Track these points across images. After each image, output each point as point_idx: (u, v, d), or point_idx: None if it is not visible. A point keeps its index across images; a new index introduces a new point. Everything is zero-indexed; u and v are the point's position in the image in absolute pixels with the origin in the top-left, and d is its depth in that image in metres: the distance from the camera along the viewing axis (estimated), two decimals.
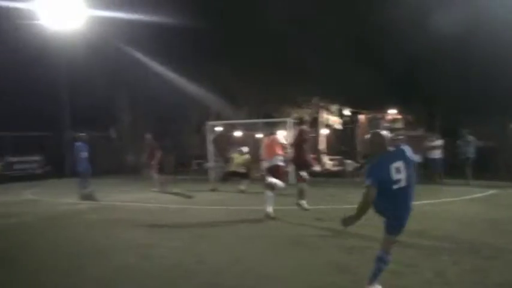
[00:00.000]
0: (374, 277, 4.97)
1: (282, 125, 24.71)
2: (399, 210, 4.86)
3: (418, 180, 4.96)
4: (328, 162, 23.91)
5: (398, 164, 4.73)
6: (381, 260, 4.96)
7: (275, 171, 10.45)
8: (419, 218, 9.63)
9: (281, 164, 10.66)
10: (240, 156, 16.56)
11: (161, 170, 16.49)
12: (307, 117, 25.46)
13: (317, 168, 12.12)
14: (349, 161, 19.67)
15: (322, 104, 24.85)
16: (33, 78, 23.80)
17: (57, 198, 14.60)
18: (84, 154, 14.58)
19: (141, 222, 9.93)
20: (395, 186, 4.71)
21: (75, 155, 14.70)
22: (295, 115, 25.00)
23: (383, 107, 24.20)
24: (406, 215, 4.90)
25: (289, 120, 19.75)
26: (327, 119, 26.21)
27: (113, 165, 25.91)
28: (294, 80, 22.17)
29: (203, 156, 23.21)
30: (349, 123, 25.40)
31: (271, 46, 22.19)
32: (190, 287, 5.56)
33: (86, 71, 23.61)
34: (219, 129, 22.93)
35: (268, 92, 23.71)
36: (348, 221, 4.94)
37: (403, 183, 4.72)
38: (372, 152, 5.01)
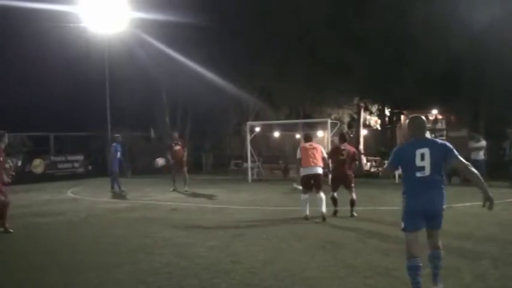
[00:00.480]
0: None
1: (321, 126, 24.66)
2: (422, 203, 4.66)
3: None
4: (367, 163, 23.62)
5: (424, 150, 4.63)
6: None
7: (317, 180, 10.06)
8: (460, 220, 9.40)
9: (321, 172, 10.28)
10: None
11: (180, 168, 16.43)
12: (345, 129, 25.41)
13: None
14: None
15: (362, 104, 24.59)
16: (76, 80, 24.43)
17: (97, 197, 14.88)
18: (118, 154, 15.02)
19: (178, 221, 9.99)
20: (418, 174, 4.62)
21: (110, 155, 15.25)
22: (335, 115, 24.83)
23: (425, 107, 23.70)
24: (429, 209, 4.68)
25: (329, 121, 19.53)
26: (367, 120, 25.94)
27: (152, 165, 26.23)
28: (334, 80, 21.97)
29: (242, 157, 23.31)
30: (389, 124, 25.02)
31: (311, 46, 22.07)
32: (227, 287, 5.52)
33: (128, 72, 24.05)
34: (257, 129, 22.96)
35: (307, 93, 23.56)
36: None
37: (427, 172, 4.61)
38: (411, 135, 4.87)
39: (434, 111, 23.67)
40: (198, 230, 9.02)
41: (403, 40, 20.12)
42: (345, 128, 26.41)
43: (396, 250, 6.93)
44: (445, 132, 23.77)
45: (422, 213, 4.68)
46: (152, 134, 27.75)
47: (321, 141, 25.54)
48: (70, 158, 23.92)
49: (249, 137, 20.44)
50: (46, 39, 23.88)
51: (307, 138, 10.62)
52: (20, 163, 21.52)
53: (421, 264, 4.68)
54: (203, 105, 24.35)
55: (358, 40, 20.87)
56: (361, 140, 25.41)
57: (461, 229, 8.38)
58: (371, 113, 26.16)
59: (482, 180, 4.64)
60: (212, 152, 27.36)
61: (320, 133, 25.59)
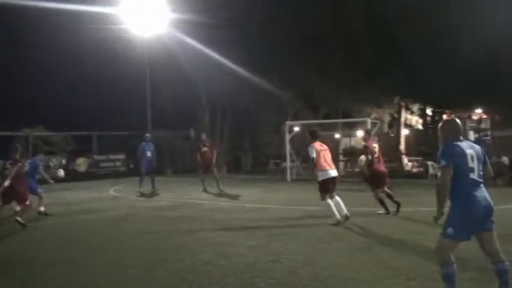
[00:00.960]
0: None
1: (361, 125, 24.39)
2: (473, 208, 4.51)
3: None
4: (408, 163, 23.24)
5: (472, 152, 4.61)
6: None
7: (334, 183, 9.68)
8: (504, 222, 9.12)
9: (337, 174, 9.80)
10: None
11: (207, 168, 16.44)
12: (386, 119, 25.08)
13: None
14: (430, 163, 18.95)
15: (403, 103, 24.18)
16: (118, 80, 24.92)
17: (139, 196, 15.12)
18: (148, 154, 15.30)
19: (218, 220, 10.06)
20: (471, 175, 4.53)
21: (139, 155, 15.61)
22: (375, 115, 24.52)
23: (468, 106, 23.14)
24: (481, 214, 4.53)
25: (369, 120, 19.30)
26: (408, 119, 25.50)
27: (191, 164, 26.53)
28: (374, 79, 21.66)
29: (280, 156, 23.28)
30: (431, 124, 24.50)
31: (350, 45, 21.83)
32: (266, 286, 5.52)
33: (168, 73, 24.38)
34: (296, 129, 22.89)
35: (347, 92, 23.33)
36: (437, 216, 4.66)
37: (476, 175, 4.55)
38: (445, 139, 4.83)
39: (478, 111, 23.09)
40: (238, 229, 9.06)
41: (444, 37, 19.68)
42: (386, 128, 26.07)
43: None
44: (489, 132, 23.17)
45: (479, 216, 4.54)
46: (192, 134, 28.00)
47: (360, 141, 25.35)
48: (112, 157, 24.42)
49: (288, 137, 20.40)
50: (89, 41, 24.48)
51: (315, 135, 9.97)
52: (64, 161, 22.13)
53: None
54: (242, 105, 24.42)
55: (399, 38, 20.50)
56: (402, 139, 24.98)
57: (505, 231, 8.15)
58: (412, 113, 25.67)
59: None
60: (251, 152, 27.44)
61: (359, 133, 25.33)
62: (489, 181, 4.71)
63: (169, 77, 24.47)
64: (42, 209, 11.35)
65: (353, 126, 26.39)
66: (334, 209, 9.29)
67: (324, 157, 9.56)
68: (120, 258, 7.04)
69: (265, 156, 26.71)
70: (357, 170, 22.12)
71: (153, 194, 15.48)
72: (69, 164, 22.14)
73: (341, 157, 24.39)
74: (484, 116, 23.06)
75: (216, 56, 22.80)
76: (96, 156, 23.84)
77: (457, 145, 4.66)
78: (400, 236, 8.07)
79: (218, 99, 26.22)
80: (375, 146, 10.66)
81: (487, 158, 4.77)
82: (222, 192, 15.69)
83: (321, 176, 9.43)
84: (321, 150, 9.56)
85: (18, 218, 9.23)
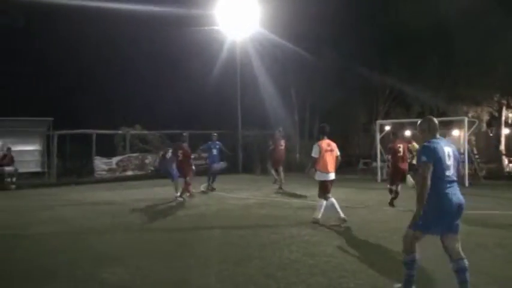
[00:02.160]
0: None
1: (457, 124, 23.35)
2: (448, 205, 4.72)
3: None
4: (509, 164, 21.95)
5: (449, 150, 4.82)
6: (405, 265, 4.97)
7: (331, 186, 9.62)
8: None
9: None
10: None
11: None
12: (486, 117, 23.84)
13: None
14: None
15: (503, 101, 22.86)
16: (210, 80, 25.57)
17: (229, 193, 15.38)
18: (214, 152, 15.48)
19: (306, 219, 9.97)
20: (447, 173, 4.72)
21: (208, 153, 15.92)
22: (472, 114, 23.37)
23: None
24: (453, 212, 4.76)
25: (466, 119, 18.40)
26: (509, 118, 24.08)
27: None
28: (471, 76, 20.67)
29: (371, 156, 22.82)
30: None
31: (446, 40, 20.98)
32: (355, 287, 5.41)
33: (258, 72, 24.67)
34: (387, 128, 22.32)
35: (442, 89, 22.42)
36: (415, 215, 4.81)
37: (452, 171, 4.77)
38: (427, 138, 4.97)
39: None
40: (326, 229, 8.96)
41: None
42: (484, 127, 24.78)
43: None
44: None
45: (452, 214, 4.75)
46: (281, 132, 28.09)
47: (456, 141, 24.26)
48: (203, 154, 25.01)
49: (378, 136, 19.94)
50: (182, 43, 25.34)
51: (324, 131, 9.85)
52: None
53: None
54: (331, 103, 24.18)
55: (498, 32, 19.39)
56: (502, 139, 23.63)
57: None
58: None
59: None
60: (340, 151, 27.12)
61: (456, 132, 24.26)
62: (460, 180, 4.91)
63: (259, 76, 24.76)
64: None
65: (449, 126, 25.31)
66: (322, 210, 9.43)
67: (327, 159, 9.44)
68: (209, 253, 7.20)
69: (355, 156, 26.23)
70: None
71: (206, 191, 15.74)
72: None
73: None
74: None
75: (306, 54, 22.73)
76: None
77: (437, 143, 4.84)
78: (498, 239, 7.65)
79: (307, 97, 26.15)
80: (400, 146, 11.53)
81: (460, 157, 4.91)
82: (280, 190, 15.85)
83: (320, 177, 9.49)
84: (326, 150, 9.48)
85: None
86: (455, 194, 4.77)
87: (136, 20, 24.36)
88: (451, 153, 4.82)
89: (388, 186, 11.85)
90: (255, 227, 9.20)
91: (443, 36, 20.99)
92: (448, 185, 4.74)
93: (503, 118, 23.39)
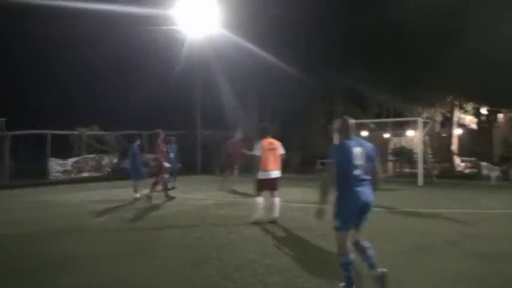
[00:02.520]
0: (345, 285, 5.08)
1: (412, 125, 23.88)
2: (354, 202, 4.96)
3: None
4: (460, 164, 22.62)
5: (360, 150, 4.99)
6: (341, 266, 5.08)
7: (274, 184, 9.75)
8: None
9: (279, 176, 9.82)
10: None
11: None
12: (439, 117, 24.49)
13: None
14: (484, 163, 18.38)
15: (456, 102, 23.53)
16: (168, 80, 25.37)
17: (186, 194, 15.31)
18: (171, 155, 15.36)
19: (264, 219, 10.03)
20: (356, 172, 4.92)
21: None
22: (427, 114, 23.95)
23: None
24: (360, 209, 5.01)
25: (420, 120, 18.87)
26: (461, 119, 24.78)
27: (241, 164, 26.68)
28: (426, 78, 21.18)
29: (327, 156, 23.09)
30: (486, 123, 23.73)
31: (402, 43, 21.44)
32: (312, 286, 5.48)
33: (218, 72, 24.62)
34: None
35: (398, 90, 22.89)
36: (318, 209, 5.11)
37: (362, 171, 4.95)
38: (341, 138, 5.20)
39: None
40: (283, 228, 9.04)
41: (500, 35, 19.02)
42: (437, 127, 25.43)
43: (490, 255, 6.62)
44: None
45: (360, 210, 5.02)
46: (240, 133, 28.13)
47: (411, 141, 24.82)
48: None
49: (336, 136, 20.20)
50: (142, 43, 25.06)
51: (265, 131, 9.95)
52: (115, 160, 22.73)
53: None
54: (290, 104, 24.35)
55: (452, 36, 19.97)
56: (455, 139, 24.31)
57: None
58: (466, 112, 24.92)
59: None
60: (299, 152, 27.30)
61: (411, 132, 24.83)
62: (378, 178, 5.20)
63: (219, 77, 24.71)
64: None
65: (404, 126, 25.87)
66: (259, 209, 9.53)
67: (268, 157, 9.51)
68: (167, 254, 7.16)
69: (313, 156, 26.48)
70: (406, 170, 21.73)
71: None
72: (121, 163, 22.66)
73: (390, 157, 23.98)
74: None
75: (265, 54, 22.82)
76: (146, 155, 24.28)
77: (346, 143, 5.04)
78: (451, 238, 7.86)
79: (266, 98, 26.25)
80: None
81: (377, 156, 5.20)
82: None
83: (260, 176, 9.57)
84: (268, 149, 9.54)
85: None
86: (364, 192, 4.98)
87: (94, 18, 23.92)
88: (362, 154, 5.01)
89: None
90: (213, 228, 9.19)
91: (400, 38, 21.41)
92: (356, 184, 4.95)
93: (455, 119, 24.05)
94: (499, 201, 12.78)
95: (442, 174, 20.43)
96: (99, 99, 27.93)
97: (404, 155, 22.57)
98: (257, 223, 9.39)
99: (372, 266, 5.13)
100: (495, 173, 17.60)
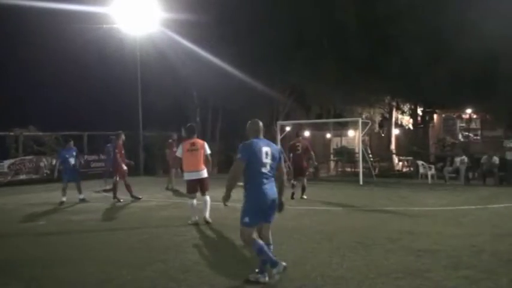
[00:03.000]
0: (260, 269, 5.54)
1: (352, 125, 24.47)
2: (263, 198, 5.37)
3: None
4: (398, 162, 23.35)
5: (267, 149, 5.43)
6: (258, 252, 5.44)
7: (203, 184, 9.72)
8: (495, 221, 9.23)
9: (206, 175, 9.77)
10: None
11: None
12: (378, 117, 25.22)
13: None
14: (420, 162, 19.08)
15: (393, 103, 24.28)
16: (109, 80, 24.86)
17: (129, 195, 15.02)
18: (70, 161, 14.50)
19: (200, 220, 9.99)
20: (263, 169, 5.37)
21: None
22: (366, 115, 24.60)
23: (458, 106, 23.28)
24: (268, 205, 5.42)
25: (360, 120, 19.36)
26: (399, 119, 25.59)
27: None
28: (365, 80, 21.72)
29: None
30: (422, 123, 24.63)
31: (342, 45, 21.88)
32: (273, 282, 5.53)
33: (159, 72, 24.33)
34: (288, 129, 22.92)
35: (338, 92, 23.38)
36: (224, 197, 5.59)
37: (269, 169, 5.41)
38: (249, 137, 5.65)
39: (469, 111, 23.22)
40: (228, 229, 9.02)
41: (435, 38, 19.78)
42: (377, 128, 26.18)
43: (429, 251, 6.85)
44: (479, 132, 23.34)
45: (266, 206, 5.43)
46: (183, 134, 27.94)
47: (352, 140, 25.43)
48: (103, 156, 24.29)
49: (279, 137, 20.42)
50: (80, 41, 24.36)
51: (191, 131, 9.91)
52: (54, 161, 22.02)
53: None
54: (234, 104, 24.41)
55: (389, 39, 20.58)
56: (393, 139, 25.10)
57: (496, 230, 8.25)
58: (403, 112, 25.78)
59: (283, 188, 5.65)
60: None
61: (351, 132, 25.41)
62: (282, 177, 5.63)
63: (160, 77, 24.44)
64: None
65: (344, 126, 26.46)
66: (193, 210, 9.55)
67: (188, 158, 9.53)
68: (110, 257, 7.02)
69: None
70: (348, 169, 22.23)
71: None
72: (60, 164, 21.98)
73: (332, 156, 24.45)
74: (474, 116, 23.22)
75: (207, 54, 22.76)
76: (87, 156, 23.69)
77: (255, 142, 5.47)
78: (390, 235, 8.09)
79: (209, 98, 26.21)
80: (298, 145, 13.54)
81: (282, 156, 5.69)
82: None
83: (186, 177, 9.66)
84: (188, 150, 9.54)
85: None
86: (271, 189, 5.42)
87: (32, 16, 23.15)
88: (269, 153, 5.42)
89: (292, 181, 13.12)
90: (157, 230, 9.09)
91: (340, 38, 21.84)
92: (264, 181, 5.39)
93: (393, 119, 24.83)
94: (435, 199, 13.27)
95: (382, 173, 21.02)
96: (37, 99, 27.00)
97: (346, 154, 23.06)
98: (196, 224, 9.36)
99: (273, 263, 5.44)
100: (431, 171, 18.26)
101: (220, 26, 22.00)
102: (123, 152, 13.79)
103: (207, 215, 9.59)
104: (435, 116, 24.95)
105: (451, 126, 24.51)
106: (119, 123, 23.61)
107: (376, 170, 21.07)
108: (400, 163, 23.61)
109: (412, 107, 24.58)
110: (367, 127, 20.44)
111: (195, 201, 9.57)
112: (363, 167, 18.68)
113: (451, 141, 23.03)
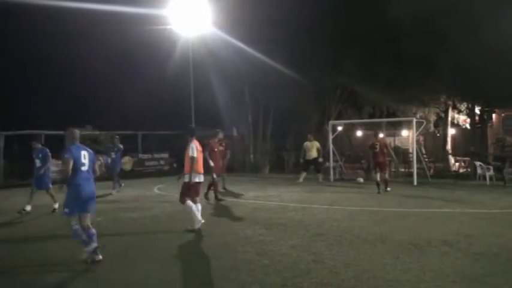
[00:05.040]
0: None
1: (406, 125, 23.95)
2: (83, 192, 6.62)
3: None
4: (455, 163, 22.69)
5: (85, 153, 6.81)
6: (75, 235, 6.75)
7: (200, 188, 9.54)
8: None
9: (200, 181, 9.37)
10: None
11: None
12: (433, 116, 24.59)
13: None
14: (478, 163, 18.44)
15: (449, 102, 23.60)
16: (163, 80, 25.34)
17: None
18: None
19: (260, 219, 10.06)
20: (83, 168, 6.68)
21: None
22: (421, 114, 24.01)
23: None
24: (88, 197, 6.70)
25: (414, 120, 18.91)
26: (455, 118, 24.86)
27: (235, 163, 26.68)
28: (419, 78, 21.20)
29: (323, 156, 23.12)
30: (480, 123, 23.79)
31: (396, 43, 21.44)
32: (308, 286, 5.48)
33: (211, 72, 24.61)
34: (340, 128, 22.71)
35: (391, 91, 22.91)
36: (59, 188, 6.89)
37: (86, 169, 6.73)
38: (69, 142, 6.90)
39: None
40: (280, 229, 9.03)
41: (494, 34, 19.04)
42: (432, 127, 25.53)
43: (487, 255, 6.62)
44: None
45: (85, 199, 6.66)
46: (234, 133, 28.20)
47: (405, 140, 24.90)
48: (156, 155, 24.84)
49: (331, 136, 20.24)
50: (134, 43, 25.01)
51: (193, 132, 9.61)
52: (110, 160, 22.66)
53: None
54: (285, 104, 24.35)
55: (445, 36, 19.98)
56: (449, 139, 24.39)
57: None
58: (459, 112, 24.98)
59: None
60: (293, 151, 27.35)
61: (405, 132, 24.90)
62: (96, 175, 6.97)
63: (212, 77, 24.70)
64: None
65: (398, 126, 25.95)
66: (198, 214, 9.07)
67: (199, 159, 9.26)
68: (163, 254, 7.13)
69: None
70: (401, 169, 21.78)
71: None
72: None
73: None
74: None
75: (259, 55, 22.79)
76: (141, 155, 24.27)
77: (76, 146, 6.82)
78: (446, 237, 7.86)
79: (261, 98, 26.26)
80: (377, 144, 15.15)
81: (95, 159, 7.03)
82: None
83: (194, 178, 9.12)
84: (200, 151, 9.30)
85: None
86: (88, 185, 6.72)
87: (89, 19, 23.88)
88: (86, 156, 6.78)
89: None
90: (210, 228, 9.16)
91: (393, 37, 21.39)
92: (83, 178, 6.67)
93: (449, 119, 24.12)
94: (494, 200, 12.81)
95: (437, 173, 20.47)
96: (94, 98, 27.85)
97: (399, 155, 22.59)
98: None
99: (86, 243, 6.63)
100: (489, 172, 17.64)
101: (272, 26, 21.94)
102: (215, 150, 13.52)
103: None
104: (494, 115, 24.07)
105: (511, 125, 23.61)
106: (172, 123, 24.13)
107: (431, 171, 20.52)
108: (457, 164, 22.90)
109: (469, 105, 23.79)
110: (422, 127, 19.94)
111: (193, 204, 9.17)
112: (417, 168, 18.27)
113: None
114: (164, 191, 16.82)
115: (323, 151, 20.31)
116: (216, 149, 13.47)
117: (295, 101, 24.02)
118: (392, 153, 16.08)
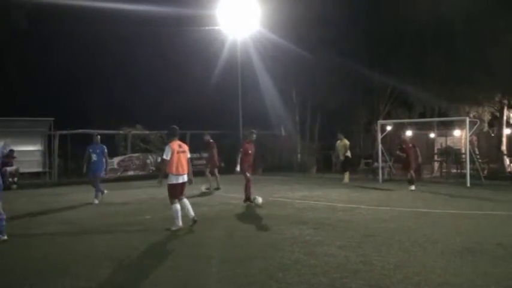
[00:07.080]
0: None
1: (458, 124, 23.29)
2: None
3: None
4: (510, 164, 21.92)
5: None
6: None
7: (184, 188, 9.39)
8: None
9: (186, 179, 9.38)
10: None
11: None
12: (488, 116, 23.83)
13: None
14: None
15: (505, 101, 22.81)
16: (211, 80, 25.64)
17: (230, 193, 15.38)
18: (92, 157, 13.83)
19: (308, 219, 10.02)
20: None
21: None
22: (474, 114, 23.32)
23: None
24: None
25: (467, 119, 18.37)
26: (511, 118, 24.02)
27: (282, 163, 26.68)
28: (472, 76, 20.59)
29: (372, 156, 22.82)
30: None
31: (447, 41, 20.93)
32: (355, 287, 5.41)
33: (259, 72, 24.71)
34: (389, 128, 22.33)
35: (443, 90, 22.35)
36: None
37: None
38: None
39: None
40: (328, 229, 8.96)
41: None
42: (486, 127, 24.74)
43: None
44: None
45: None
46: (283, 132, 28.21)
47: (457, 141, 24.22)
48: (204, 155, 25.08)
49: (380, 136, 19.94)
50: (183, 43, 25.41)
51: (174, 132, 9.44)
52: (159, 159, 23.13)
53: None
54: (333, 104, 24.17)
55: (499, 33, 19.34)
56: (504, 139, 23.57)
57: None
58: None
59: None
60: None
61: (457, 132, 24.24)
62: None
63: (260, 77, 24.80)
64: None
65: (449, 126, 25.28)
66: (179, 214, 9.10)
67: (179, 160, 9.14)
68: (211, 253, 7.21)
69: (356, 156, 26.22)
70: (453, 170, 21.22)
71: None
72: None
73: (436, 157, 23.46)
74: None
75: (306, 54, 22.70)
76: (191, 154, 24.59)
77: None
78: (499, 240, 7.60)
79: (308, 98, 26.17)
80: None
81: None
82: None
83: (171, 180, 9.13)
84: (178, 151, 9.17)
85: None
86: None
87: (138, 20, 24.43)
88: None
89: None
90: (257, 228, 9.22)
91: (445, 35, 20.91)
92: None
93: (504, 118, 23.31)
94: None
95: (491, 175, 19.82)
96: (143, 99, 28.40)
97: (451, 155, 22.00)
98: (180, 229, 9.08)
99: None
100: None
101: (320, 26, 21.81)
102: (250, 152, 13.28)
103: (193, 213, 9.31)
104: None
105: None
106: (220, 123, 24.35)
107: (485, 172, 19.89)
108: None
109: None
110: (475, 126, 19.35)
111: (178, 205, 9.20)
112: (471, 169, 17.76)
113: None
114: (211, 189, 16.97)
115: (372, 151, 20.03)
116: (250, 151, 13.24)
117: (343, 100, 23.81)
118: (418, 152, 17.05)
